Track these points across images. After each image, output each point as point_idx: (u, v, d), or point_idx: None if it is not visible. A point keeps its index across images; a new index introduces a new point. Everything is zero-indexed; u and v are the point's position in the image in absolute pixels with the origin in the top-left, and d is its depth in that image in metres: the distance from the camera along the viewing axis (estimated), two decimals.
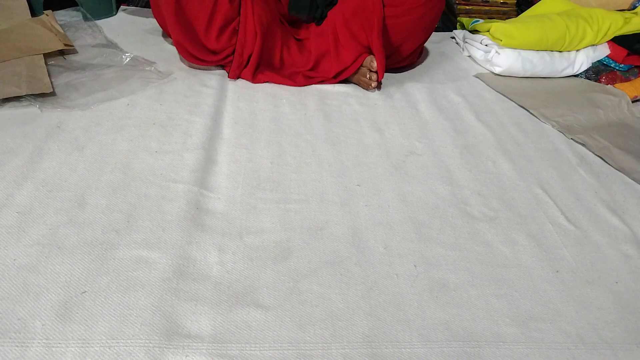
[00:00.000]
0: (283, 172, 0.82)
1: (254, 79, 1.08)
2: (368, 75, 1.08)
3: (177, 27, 1.03)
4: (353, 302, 0.60)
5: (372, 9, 1.03)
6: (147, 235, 0.66)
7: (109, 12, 1.39)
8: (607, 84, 1.22)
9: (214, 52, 1.07)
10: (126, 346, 0.52)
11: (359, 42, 1.07)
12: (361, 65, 1.09)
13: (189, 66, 1.12)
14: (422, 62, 1.29)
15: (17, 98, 0.91)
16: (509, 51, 1.22)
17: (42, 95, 0.93)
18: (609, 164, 0.93)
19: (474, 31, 1.36)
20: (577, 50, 1.26)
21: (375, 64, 1.05)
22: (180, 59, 1.14)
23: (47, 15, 1.18)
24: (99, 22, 1.30)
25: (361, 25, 1.05)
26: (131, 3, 1.47)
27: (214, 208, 0.73)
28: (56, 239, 0.64)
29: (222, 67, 1.12)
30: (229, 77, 1.09)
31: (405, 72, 1.22)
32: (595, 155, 0.96)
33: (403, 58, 1.17)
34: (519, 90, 1.19)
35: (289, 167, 0.83)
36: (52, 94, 0.94)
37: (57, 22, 1.17)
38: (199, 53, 1.06)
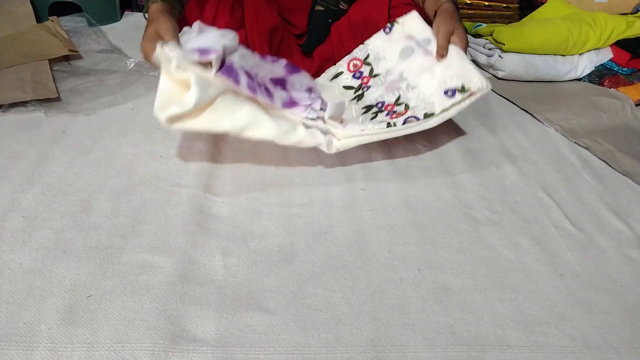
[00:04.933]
0: (287, 177, 0.82)
1: None
2: None
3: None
4: (357, 306, 0.60)
5: (378, 18, 1.03)
6: (152, 240, 0.67)
7: (114, 18, 1.40)
8: (611, 88, 1.22)
9: None
10: (131, 350, 0.52)
11: None
12: None
13: None
14: None
15: (22, 103, 0.92)
16: (512, 55, 1.22)
17: (48, 100, 0.93)
18: (612, 167, 0.93)
19: (477, 35, 1.36)
20: (580, 54, 1.26)
21: None
22: None
23: (52, 21, 1.19)
24: (104, 28, 1.31)
25: (368, 33, 1.05)
26: (135, 9, 1.48)
27: (218, 212, 0.73)
28: (61, 243, 0.64)
29: None
30: None
31: None
32: (599, 158, 0.96)
33: None
34: (522, 94, 1.19)
35: (293, 171, 0.84)
36: (58, 99, 0.95)
37: (62, 27, 1.18)
38: None
